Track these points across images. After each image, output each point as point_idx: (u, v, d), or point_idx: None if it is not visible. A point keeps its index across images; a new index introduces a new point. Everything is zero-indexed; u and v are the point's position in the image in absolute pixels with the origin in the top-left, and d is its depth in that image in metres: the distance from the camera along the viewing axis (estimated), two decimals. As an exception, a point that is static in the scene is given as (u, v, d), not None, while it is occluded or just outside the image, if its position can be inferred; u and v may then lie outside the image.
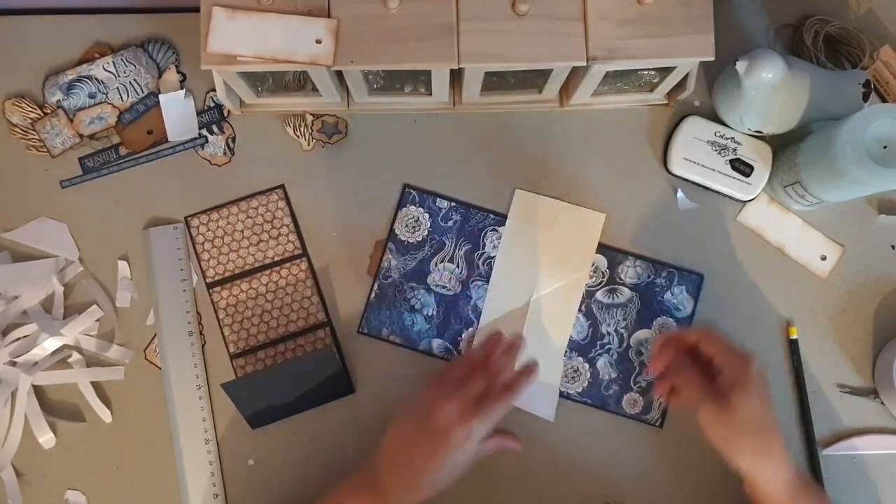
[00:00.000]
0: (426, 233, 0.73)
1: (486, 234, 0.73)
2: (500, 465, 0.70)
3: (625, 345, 0.72)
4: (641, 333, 0.72)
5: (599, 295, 0.73)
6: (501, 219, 0.73)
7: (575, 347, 0.72)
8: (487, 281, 0.72)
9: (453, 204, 0.73)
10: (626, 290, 0.73)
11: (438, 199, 0.73)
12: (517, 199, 0.73)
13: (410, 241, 0.73)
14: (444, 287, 0.73)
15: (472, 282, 0.73)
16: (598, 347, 0.72)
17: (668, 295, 0.73)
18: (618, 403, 0.71)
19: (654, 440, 0.71)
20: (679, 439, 0.71)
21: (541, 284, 0.72)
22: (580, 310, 0.72)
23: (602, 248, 0.73)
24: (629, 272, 0.73)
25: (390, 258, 0.73)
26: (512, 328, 0.71)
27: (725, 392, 0.58)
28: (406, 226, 0.73)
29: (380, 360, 0.72)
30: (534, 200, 0.73)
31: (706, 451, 0.63)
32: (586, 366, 0.72)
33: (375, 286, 0.72)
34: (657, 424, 0.71)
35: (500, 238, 0.73)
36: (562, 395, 0.71)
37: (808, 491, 0.61)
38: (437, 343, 0.72)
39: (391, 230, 0.73)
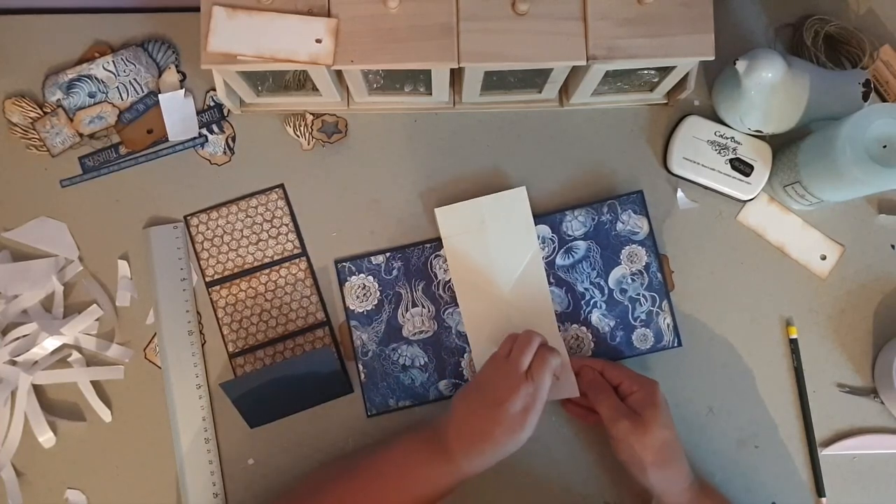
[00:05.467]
0: (378, 293, 0.72)
1: (431, 263, 0.72)
2: (500, 465, 0.70)
3: (607, 291, 0.72)
4: (616, 272, 0.72)
5: (559, 260, 0.72)
6: (438, 243, 0.72)
7: (564, 318, 0.72)
8: (456, 305, 0.72)
9: (389, 254, 0.72)
10: (580, 243, 0.72)
11: (372, 258, 0.72)
12: (440, 217, 0.72)
13: (368, 308, 0.72)
14: (421, 332, 0.72)
15: (443, 313, 0.72)
16: (584, 307, 0.72)
17: (619, 225, 0.73)
18: (630, 346, 0.71)
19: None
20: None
21: (504, 281, 0.72)
22: (550, 283, 0.72)
23: (539, 218, 0.73)
24: (574, 225, 0.73)
25: (360, 334, 0.72)
26: (500, 333, 0.70)
27: (638, 410, 0.63)
28: (357, 297, 0.72)
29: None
30: (455, 210, 0.72)
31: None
32: (584, 329, 0.72)
33: (360, 367, 0.71)
34: (676, 345, 0.72)
35: (446, 261, 0.72)
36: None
37: (709, 497, 0.65)
38: (443, 384, 0.71)
39: (346, 308, 0.72)
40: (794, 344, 0.72)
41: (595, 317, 0.72)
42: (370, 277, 0.72)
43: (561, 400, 0.70)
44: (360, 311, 0.72)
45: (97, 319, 0.72)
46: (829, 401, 0.72)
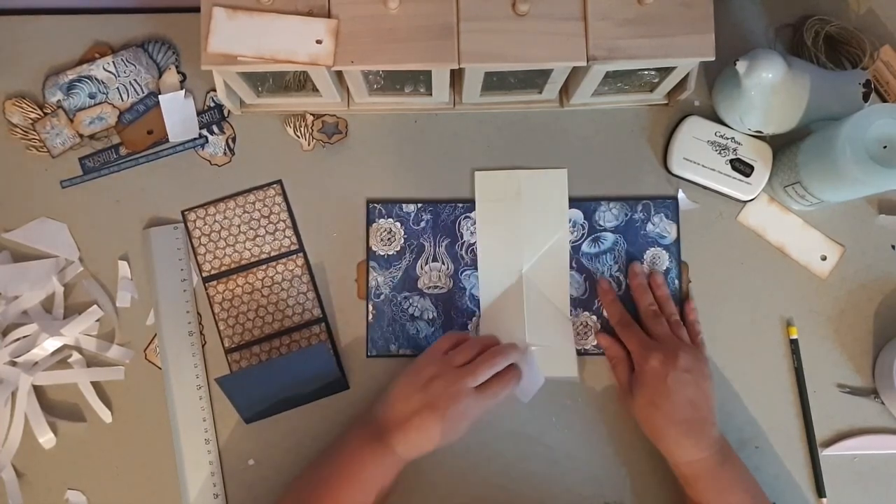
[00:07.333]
0: (402, 241, 0.73)
1: (459, 223, 0.73)
2: (500, 464, 0.71)
3: (624, 287, 0.73)
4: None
5: (585, 247, 0.73)
6: (470, 205, 0.73)
7: (578, 304, 0.73)
8: (475, 268, 0.73)
9: (420, 205, 0.73)
10: (608, 234, 0.73)
11: (404, 205, 0.73)
12: (478, 180, 0.73)
13: (390, 253, 0.73)
14: (436, 287, 0.73)
15: (461, 273, 0.73)
16: (598, 298, 0.73)
17: (649, 226, 0.73)
18: None
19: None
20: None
21: (527, 255, 0.72)
22: (571, 267, 0.73)
23: (574, 202, 0.73)
24: (606, 216, 0.73)
25: (376, 276, 0.72)
26: (512, 305, 0.71)
27: (632, 387, 0.67)
28: (381, 240, 0.73)
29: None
30: (494, 177, 0.74)
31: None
32: (594, 318, 0.72)
33: (370, 307, 0.72)
34: None
35: (475, 223, 0.73)
36: (579, 353, 0.71)
37: (722, 470, 0.64)
38: None
39: (368, 248, 0.73)
40: (794, 344, 0.72)
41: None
42: (398, 223, 0.73)
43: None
44: (382, 253, 0.73)
45: (97, 320, 0.72)
46: (829, 401, 0.72)
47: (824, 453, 0.71)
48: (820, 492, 0.70)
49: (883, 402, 0.71)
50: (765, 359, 0.72)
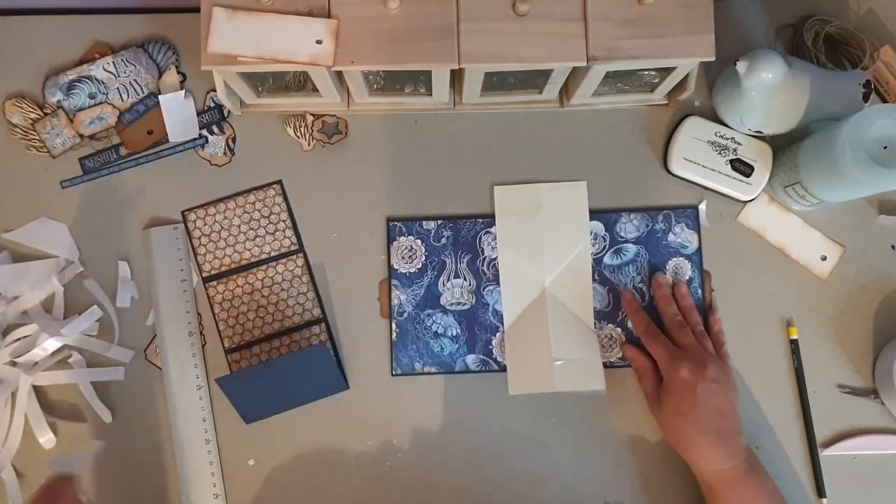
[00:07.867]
0: (424, 258, 0.73)
1: (480, 238, 0.73)
2: (500, 464, 0.71)
3: (647, 298, 0.73)
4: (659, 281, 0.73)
5: (607, 259, 0.73)
6: (490, 220, 0.73)
7: (601, 317, 0.72)
8: (498, 283, 0.72)
9: (440, 222, 0.73)
10: (630, 245, 0.73)
11: (424, 222, 0.73)
12: (498, 195, 0.73)
13: (412, 270, 0.73)
14: (458, 303, 0.72)
15: (483, 289, 0.72)
16: (623, 309, 0.73)
17: (671, 237, 0.73)
18: None
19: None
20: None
21: (549, 269, 0.72)
22: (594, 279, 0.73)
23: (594, 214, 0.73)
24: (627, 227, 0.73)
25: (398, 294, 0.72)
26: (536, 320, 0.71)
27: (660, 396, 0.67)
28: (402, 257, 0.73)
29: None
30: (514, 191, 0.73)
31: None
32: (618, 330, 0.72)
33: (393, 326, 0.72)
34: None
35: (496, 238, 0.73)
36: (605, 365, 0.71)
37: (747, 479, 0.64)
38: (471, 359, 0.72)
39: (389, 266, 0.73)
40: (794, 344, 0.72)
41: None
42: (419, 241, 0.73)
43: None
44: (403, 271, 0.72)
45: (97, 320, 0.72)
46: (829, 401, 0.72)
47: (824, 453, 0.71)
48: (820, 492, 0.70)
49: (883, 402, 0.71)
50: (765, 359, 0.72)
